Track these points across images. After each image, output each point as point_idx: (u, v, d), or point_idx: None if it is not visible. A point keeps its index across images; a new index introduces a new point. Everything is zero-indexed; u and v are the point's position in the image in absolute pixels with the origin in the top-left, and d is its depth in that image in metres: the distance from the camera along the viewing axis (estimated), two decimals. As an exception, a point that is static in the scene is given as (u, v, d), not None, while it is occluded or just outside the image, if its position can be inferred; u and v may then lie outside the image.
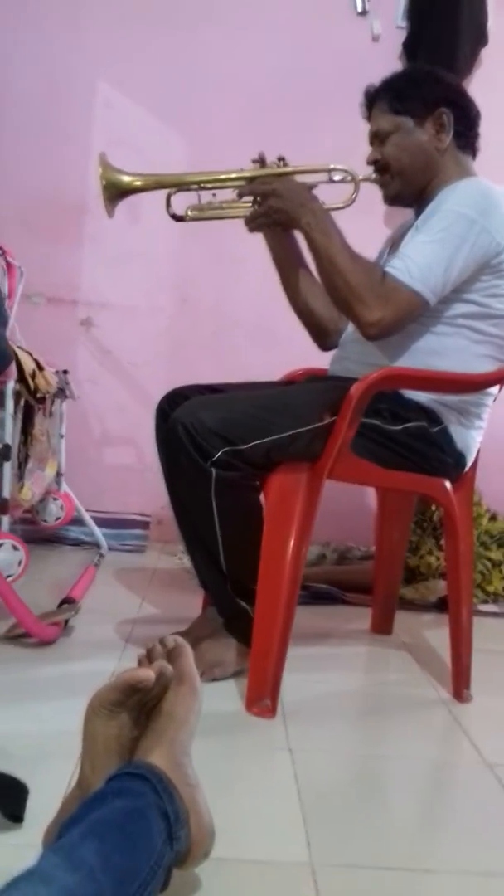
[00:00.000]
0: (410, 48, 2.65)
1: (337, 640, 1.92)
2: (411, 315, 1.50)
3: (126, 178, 1.63)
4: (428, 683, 1.65)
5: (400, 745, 1.38)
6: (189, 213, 1.65)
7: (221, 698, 1.44)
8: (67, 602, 1.83)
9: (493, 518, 2.47)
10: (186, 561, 2.27)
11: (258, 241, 1.74)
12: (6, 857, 0.90)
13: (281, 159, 1.63)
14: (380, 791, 1.22)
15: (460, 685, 1.58)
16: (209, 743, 1.07)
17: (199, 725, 0.94)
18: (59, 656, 1.60)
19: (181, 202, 1.65)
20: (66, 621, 1.73)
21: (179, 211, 1.66)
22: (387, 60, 2.57)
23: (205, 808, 0.87)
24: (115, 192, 1.63)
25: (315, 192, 1.57)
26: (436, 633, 1.97)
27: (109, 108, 2.71)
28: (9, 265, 2.33)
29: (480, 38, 2.68)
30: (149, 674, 0.89)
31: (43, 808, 0.93)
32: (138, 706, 0.90)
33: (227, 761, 1.23)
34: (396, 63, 2.64)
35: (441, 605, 2.17)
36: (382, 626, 1.97)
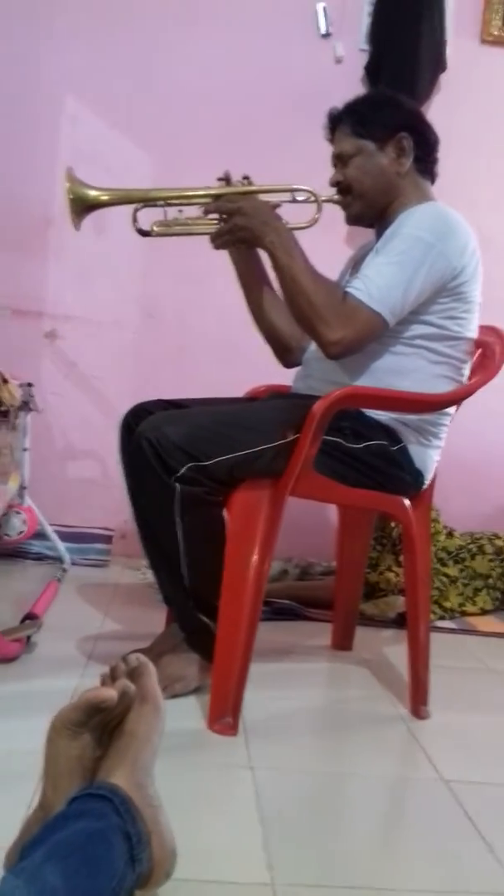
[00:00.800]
0: (372, 72, 2.69)
1: (298, 657, 1.93)
2: (371, 335, 1.52)
3: (93, 193, 1.63)
4: (387, 700, 1.67)
5: (359, 763, 1.39)
6: (155, 228, 1.66)
7: (183, 715, 1.44)
8: (30, 618, 1.81)
9: (450, 535, 2.51)
10: (149, 576, 2.25)
11: (223, 257, 1.75)
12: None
13: (246, 178, 1.66)
14: (340, 809, 1.23)
15: (418, 701, 1.60)
16: (171, 761, 1.07)
17: (161, 743, 0.94)
18: (21, 673, 1.58)
19: (147, 217, 1.66)
20: (29, 637, 1.71)
21: (146, 226, 1.66)
22: (350, 82, 2.61)
23: (167, 828, 0.87)
24: (82, 207, 1.63)
25: (278, 211, 1.60)
26: (395, 650, 1.99)
27: (76, 122, 2.71)
28: (-29, 277, 2.32)
29: (439, 64, 2.73)
30: (111, 693, 0.88)
31: (3, 829, 0.92)
32: (101, 726, 0.90)
33: (189, 780, 1.23)
34: (359, 85, 2.68)
35: (400, 621, 2.18)
36: (343, 643, 1.98)
